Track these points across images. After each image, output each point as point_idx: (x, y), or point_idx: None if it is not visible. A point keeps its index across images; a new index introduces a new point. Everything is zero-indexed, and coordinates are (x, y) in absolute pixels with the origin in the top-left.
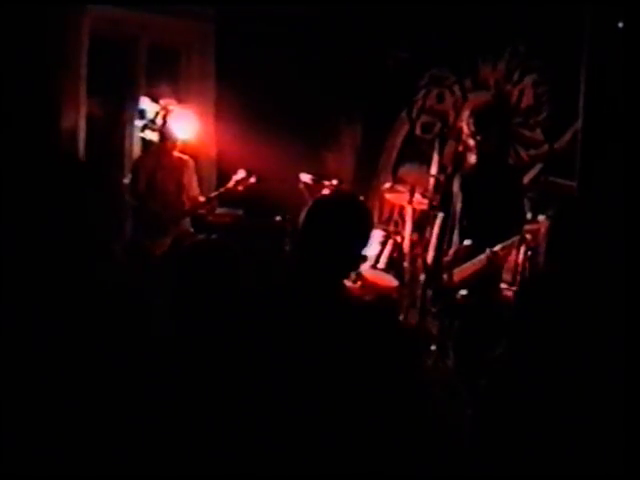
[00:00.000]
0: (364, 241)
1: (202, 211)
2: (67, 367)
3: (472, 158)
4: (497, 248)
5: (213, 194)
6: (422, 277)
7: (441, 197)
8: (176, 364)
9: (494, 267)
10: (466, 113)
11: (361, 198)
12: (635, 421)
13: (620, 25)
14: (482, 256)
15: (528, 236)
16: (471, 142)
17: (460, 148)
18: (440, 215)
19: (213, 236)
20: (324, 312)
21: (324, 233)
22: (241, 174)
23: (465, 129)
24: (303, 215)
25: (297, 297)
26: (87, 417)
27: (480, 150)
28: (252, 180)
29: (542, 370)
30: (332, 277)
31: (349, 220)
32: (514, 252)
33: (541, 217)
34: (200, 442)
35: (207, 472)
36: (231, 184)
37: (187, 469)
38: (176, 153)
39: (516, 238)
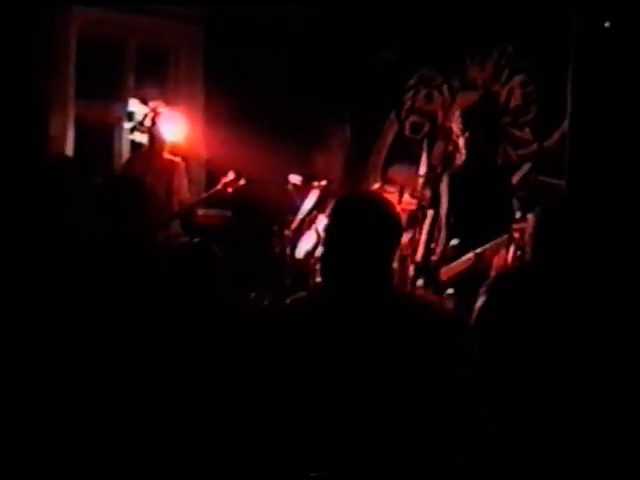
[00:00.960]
0: (396, 232)
1: (191, 213)
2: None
3: (461, 157)
4: (484, 248)
5: (202, 196)
6: (411, 273)
7: (431, 196)
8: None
9: (481, 266)
10: (456, 113)
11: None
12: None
13: (606, 25)
14: (469, 255)
15: (517, 235)
16: (460, 141)
17: (449, 148)
18: (430, 213)
19: (196, 239)
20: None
21: (355, 230)
22: (230, 176)
23: (455, 128)
24: (330, 217)
25: (352, 300)
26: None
27: (469, 149)
28: (241, 182)
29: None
30: (379, 273)
31: (378, 214)
32: (503, 251)
33: (530, 216)
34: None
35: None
36: (220, 186)
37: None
38: (166, 155)
39: (504, 237)
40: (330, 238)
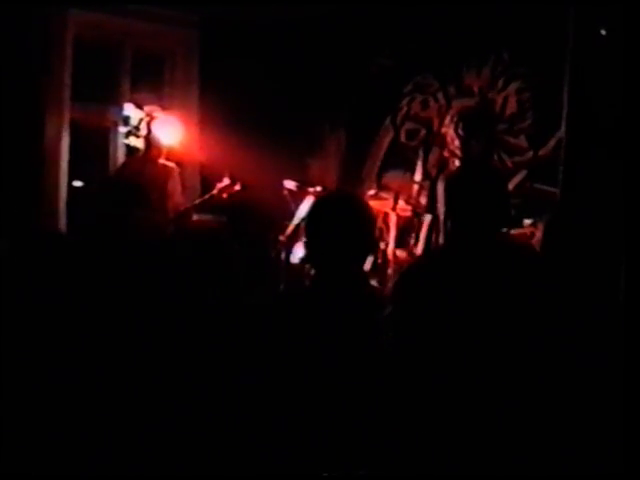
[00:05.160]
0: (369, 233)
1: (186, 218)
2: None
3: (456, 163)
4: None
5: (197, 201)
6: None
7: (427, 200)
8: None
9: None
10: (453, 118)
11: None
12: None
13: (603, 33)
14: None
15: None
16: (456, 146)
17: (445, 154)
18: (428, 217)
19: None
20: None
21: (330, 229)
22: (225, 181)
23: (451, 134)
24: (307, 216)
25: (327, 295)
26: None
27: (466, 154)
28: (236, 188)
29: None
30: (350, 270)
31: (352, 213)
32: None
33: (527, 221)
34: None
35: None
36: (215, 191)
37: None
38: (161, 160)
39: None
40: (308, 238)
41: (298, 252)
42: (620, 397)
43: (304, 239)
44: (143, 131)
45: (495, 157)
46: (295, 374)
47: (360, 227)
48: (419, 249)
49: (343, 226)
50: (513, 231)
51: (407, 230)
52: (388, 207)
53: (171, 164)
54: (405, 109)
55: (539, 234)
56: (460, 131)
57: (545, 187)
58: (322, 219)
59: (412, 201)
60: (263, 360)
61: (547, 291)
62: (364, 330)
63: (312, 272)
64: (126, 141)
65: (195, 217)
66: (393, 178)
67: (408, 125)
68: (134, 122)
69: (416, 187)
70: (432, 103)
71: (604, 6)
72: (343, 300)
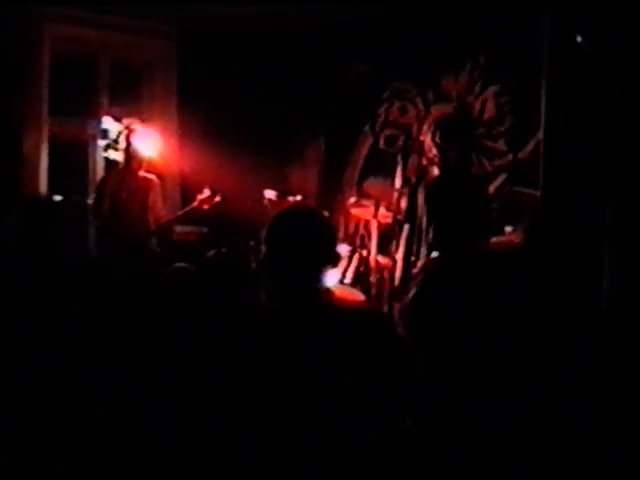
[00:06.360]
0: (328, 246)
1: (168, 230)
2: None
3: (435, 170)
4: None
5: (178, 213)
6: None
7: (407, 209)
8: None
9: None
10: (430, 126)
11: (325, 213)
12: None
13: (579, 39)
14: None
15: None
16: (434, 154)
17: (424, 161)
18: (406, 227)
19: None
20: (315, 320)
21: (287, 247)
22: (206, 193)
23: (428, 141)
24: (265, 232)
25: (284, 310)
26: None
27: (444, 162)
28: (217, 199)
29: None
30: (308, 286)
31: (309, 228)
32: None
33: (508, 228)
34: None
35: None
36: (196, 203)
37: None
38: (141, 173)
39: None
40: (268, 252)
41: None
42: (602, 397)
43: (263, 253)
44: (122, 144)
45: (475, 161)
46: (267, 388)
47: (318, 239)
48: (399, 259)
49: (301, 239)
50: (494, 238)
51: (388, 237)
52: (369, 214)
53: (152, 176)
54: (384, 115)
55: (518, 241)
56: (437, 139)
57: (525, 190)
58: (280, 233)
59: (393, 208)
60: (238, 374)
61: (531, 293)
62: (328, 342)
63: (269, 283)
64: (105, 154)
65: (177, 228)
66: (373, 185)
67: (387, 131)
68: (113, 135)
69: (396, 194)
70: (411, 109)
71: (579, 12)
72: (305, 313)
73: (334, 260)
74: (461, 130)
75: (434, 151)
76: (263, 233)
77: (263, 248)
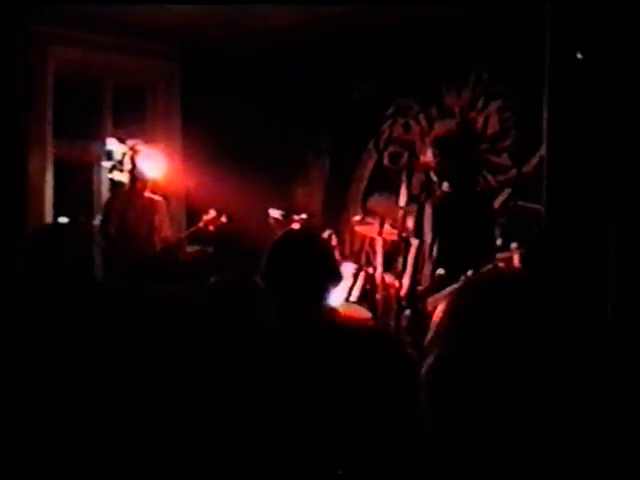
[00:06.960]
0: (327, 271)
1: (174, 251)
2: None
3: (442, 187)
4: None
5: (184, 234)
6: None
7: (414, 225)
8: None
9: None
10: (428, 145)
11: (328, 231)
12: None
13: (579, 56)
14: (456, 285)
15: (501, 265)
16: (434, 172)
17: (433, 176)
18: (415, 242)
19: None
20: (316, 339)
21: (285, 273)
22: (212, 214)
23: (428, 159)
24: (264, 259)
25: (286, 330)
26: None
27: (445, 178)
28: (223, 219)
29: None
30: (308, 306)
31: (306, 249)
32: None
33: (513, 245)
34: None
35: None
36: (202, 224)
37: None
38: (147, 194)
39: (489, 267)
40: (266, 278)
41: None
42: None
43: (262, 277)
44: (127, 165)
45: (479, 177)
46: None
47: (315, 259)
48: (407, 276)
49: (298, 261)
50: (499, 255)
51: (394, 254)
52: (374, 232)
53: (158, 197)
54: (387, 132)
55: (517, 258)
56: (435, 157)
57: (529, 204)
58: (280, 258)
59: (398, 225)
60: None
61: (538, 310)
62: (329, 361)
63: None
64: (110, 176)
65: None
66: (378, 202)
67: (391, 148)
68: (117, 156)
69: (401, 212)
70: (414, 125)
71: (579, 28)
72: (305, 332)
73: (335, 279)
74: (458, 147)
75: (432, 169)
76: (263, 258)
77: (263, 269)
